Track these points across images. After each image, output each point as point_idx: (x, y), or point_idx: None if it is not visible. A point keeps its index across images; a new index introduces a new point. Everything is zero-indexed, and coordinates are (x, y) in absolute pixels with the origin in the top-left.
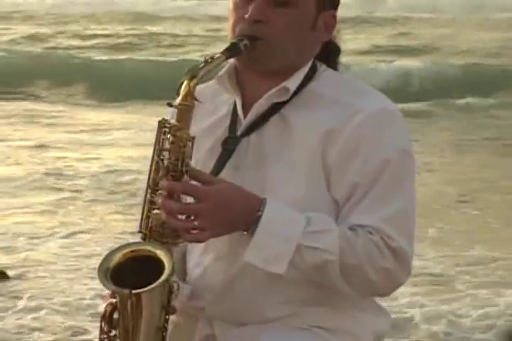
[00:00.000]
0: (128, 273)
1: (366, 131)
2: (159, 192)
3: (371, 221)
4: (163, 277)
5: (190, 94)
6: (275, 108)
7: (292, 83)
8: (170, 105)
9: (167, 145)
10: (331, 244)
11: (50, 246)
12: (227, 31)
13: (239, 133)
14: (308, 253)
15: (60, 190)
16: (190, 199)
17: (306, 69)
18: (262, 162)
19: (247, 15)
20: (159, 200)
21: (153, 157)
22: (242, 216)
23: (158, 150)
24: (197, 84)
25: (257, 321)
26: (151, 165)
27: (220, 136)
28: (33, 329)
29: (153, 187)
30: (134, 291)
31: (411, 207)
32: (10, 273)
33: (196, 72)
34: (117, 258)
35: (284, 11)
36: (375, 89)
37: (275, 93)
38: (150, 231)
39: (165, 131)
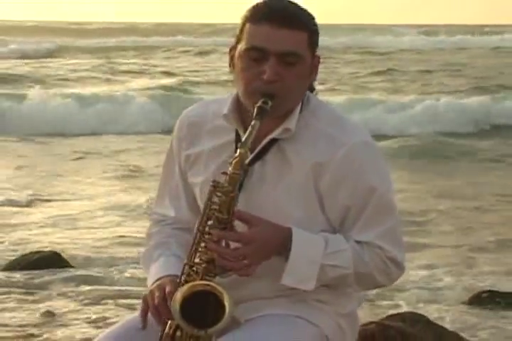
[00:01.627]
0: (190, 302)
1: (350, 162)
2: (207, 236)
3: (369, 238)
4: (226, 315)
5: (242, 164)
6: (274, 141)
7: (292, 123)
8: (224, 173)
9: (216, 200)
10: (346, 261)
11: None
12: (237, 84)
13: (246, 162)
14: (330, 270)
15: None
16: None
17: (299, 106)
18: (263, 186)
19: (265, 76)
20: (211, 245)
21: (205, 209)
22: (279, 247)
23: (210, 203)
24: (246, 152)
25: (262, 299)
26: (203, 215)
27: (225, 160)
28: None
29: (202, 231)
30: (209, 330)
31: (398, 224)
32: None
33: (246, 145)
34: (182, 295)
35: (292, 68)
36: (349, 119)
37: (280, 133)
38: (203, 268)
39: (217, 191)
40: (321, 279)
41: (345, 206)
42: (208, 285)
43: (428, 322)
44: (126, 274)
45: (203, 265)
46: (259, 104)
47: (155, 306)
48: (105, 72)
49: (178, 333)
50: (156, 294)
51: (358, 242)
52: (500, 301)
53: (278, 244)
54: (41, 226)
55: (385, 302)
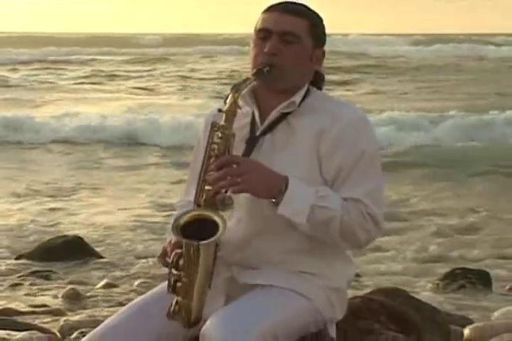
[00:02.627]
0: (192, 229)
1: (347, 132)
2: (210, 173)
3: (355, 194)
4: (219, 233)
5: (235, 103)
6: (282, 116)
7: (297, 98)
8: (220, 110)
9: (217, 140)
10: (334, 205)
11: None
12: (250, 61)
13: (257, 134)
14: (319, 211)
15: None
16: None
17: (305, 88)
18: (272, 151)
19: (265, 50)
20: (210, 177)
21: (206, 147)
22: (273, 183)
23: (211, 143)
24: (239, 95)
25: (263, 265)
26: (205, 153)
27: (243, 136)
28: None
29: (205, 169)
30: (201, 243)
31: (382, 186)
32: None
33: (239, 88)
34: (185, 219)
35: (291, 46)
36: (350, 102)
37: (286, 105)
38: (204, 202)
39: (215, 130)
40: (311, 220)
41: (337, 166)
42: (202, 214)
43: (408, 297)
44: (149, 258)
45: (206, 200)
46: (259, 66)
47: (172, 247)
48: None
49: (181, 262)
50: (174, 240)
51: (344, 199)
52: (471, 277)
53: (272, 180)
54: (67, 213)
55: (367, 282)
